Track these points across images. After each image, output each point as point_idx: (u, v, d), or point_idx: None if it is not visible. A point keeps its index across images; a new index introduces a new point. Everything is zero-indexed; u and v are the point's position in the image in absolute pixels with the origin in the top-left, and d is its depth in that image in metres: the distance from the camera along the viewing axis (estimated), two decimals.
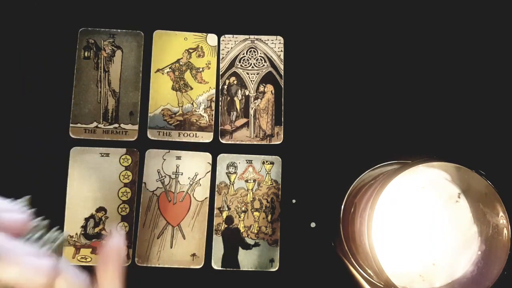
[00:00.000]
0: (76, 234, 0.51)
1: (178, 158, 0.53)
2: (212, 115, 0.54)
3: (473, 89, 0.55)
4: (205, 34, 0.55)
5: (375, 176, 0.47)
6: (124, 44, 0.55)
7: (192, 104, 0.54)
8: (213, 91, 0.54)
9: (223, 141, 0.54)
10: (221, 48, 0.55)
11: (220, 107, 0.54)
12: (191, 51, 0.55)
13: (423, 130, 0.54)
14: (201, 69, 0.55)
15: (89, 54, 0.54)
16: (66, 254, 0.51)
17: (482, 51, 0.56)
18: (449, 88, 0.55)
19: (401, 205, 0.45)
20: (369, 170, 0.49)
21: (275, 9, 0.56)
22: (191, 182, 0.53)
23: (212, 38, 0.55)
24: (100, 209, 0.52)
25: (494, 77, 0.56)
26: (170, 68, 0.55)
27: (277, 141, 0.54)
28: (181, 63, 0.55)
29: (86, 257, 0.51)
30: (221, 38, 0.55)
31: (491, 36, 0.56)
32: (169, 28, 0.55)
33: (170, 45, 0.55)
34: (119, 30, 0.55)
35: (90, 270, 0.51)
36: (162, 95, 0.54)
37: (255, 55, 0.55)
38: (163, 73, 0.54)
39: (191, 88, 0.54)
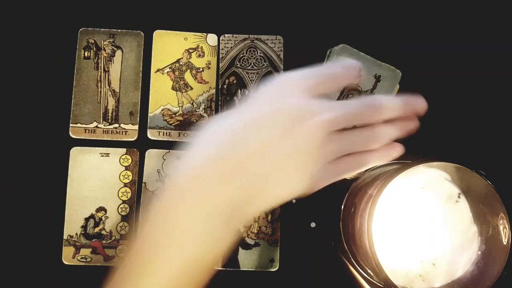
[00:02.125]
0: (76, 234, 0.51)
1: (178, 158, 0.53)
2: (212, 115, 0.54)
3: (473, 89, 0.55)
4: (205, 34, 0.55)
5: (375, 176, 0.47)
6: (124, 44, 0.55)
7: (192, 104, 0.54)
8: (213, 91, 0.54)
9: None
10: (220, 48, 0.55)
11: (219, 107, 0.54)
12: (191, 51, 0.55)
13: (423, 130, 0.54)
14: (201, 69, 0.55)
15: (89, 54, 0.54)
16: (65, 254, 0.51)
17: (481, 51, 0.56)
18: (449, 88, 0.55)
19: (401, 205, 0.45)
20: (369, 170, 0.49)
21: (274, 8, 0.56)
22: None
23: (212, 38, 0.55)
24: (100, 209, 0.52)
25: (494, 77, 0.56)
26: (170, 68, 0.55)
27: None
28: (181, 63, 0.55)
29: (86, 257, 0.51)
30: (221, 38, 0.55)
31: (490, 36, 0.56)
32: (169, 28, 0.55)
33: (170, 45, 0.55)
34: (119, 30, 0.55)
35: (90, 271, 0.51)
36: (162, 95, 0.54)
37: (255, 54, 0.55)
38: (163, 73, 0.54)
39: (191, 88, 0.54)
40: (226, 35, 0.55)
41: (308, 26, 0.56)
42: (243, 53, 0.55)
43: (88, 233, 0.51)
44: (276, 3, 0.56)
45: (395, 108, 0.40)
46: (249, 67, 0.55)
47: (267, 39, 0.55)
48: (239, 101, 0.54)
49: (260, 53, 0.55)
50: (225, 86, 0.55)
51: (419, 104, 0.41)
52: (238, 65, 0.55)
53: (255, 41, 0.55)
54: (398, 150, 0.41)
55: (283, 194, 0.39)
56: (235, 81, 0.55)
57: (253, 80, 0.55)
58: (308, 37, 0.55)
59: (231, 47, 0.55)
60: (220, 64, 0.55)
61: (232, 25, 0.55)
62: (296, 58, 0.55)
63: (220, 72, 0.55)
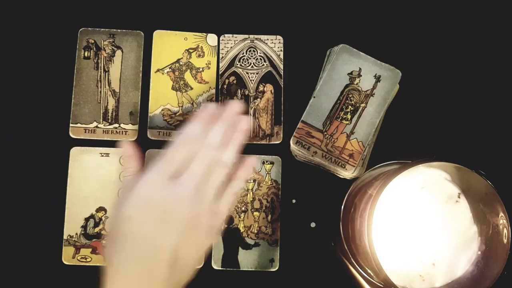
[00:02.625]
0: (76, 234, 0.51)
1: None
2: None
3: (473, 89, 0.55)
4: (205, 34, 0.55)
5: (375, 176, 0.47)
6: (124, 44, 0.55)
7: (192, 104, 0.54)
8: (213, 91, 0.54)
9: None
10: (220, 48, 0.55)
11: None
12: (191, 51, 0.55)
13: (423, 130, 0.54)
14: (201, 69, 0.55)
15: (89, 54, 0.54)
16: (65, 254, 0.51)
17: (481, 51, 0.56)
18: (449, 88, 0.55)
19: (401, 205, 0.45)
20: (369, 170, 0.49)
21: (274, 8, 0.56)
22: None
23: (212, 38, 0.55)
24: (100, 209, 0.52)
25: (494, 77, 0.56)
26: (170, 68, 0.55)
27: (277, 140, 0.54)
28: (181, 63, 0.55)
29: (86, 257, 0.51)
30: (221, 38, 0.55)
31: (490, 36, 0.56)
32: (169, 28, 0.55)
33: (170, 45, 0.55)
34: (119, 30, 0.55)
35: (90, 271, 0.51)
36: (162, 95, 0.54)
37: (255, 54, 0.55)
38: (163, 73, 0.54)
39: (191, 88, 0.54)
40: (226, 35, 0.55)
41: (308, 26, 0.56)
42: (243, 53, 0.55)
43: (88, 233, 0.51)
44: (276, 3, 0.56)
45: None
46: (249, 67, 0.55)
47: (267, 39, 0.55)
48: (239, 101, 0.54)
49: (260, 53, 0.55)
50: (225, 86, 0.55)
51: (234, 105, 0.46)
52: (238, 65, 0.55)
53: (255, 41, 0.55)
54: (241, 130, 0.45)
55: (209, 243, 0.44)
56: (235, 81, 0.55)
57: (253, 80, 0.55)
58: (308, 37, 0.55)
59: (231, 47, 0.55)
60: (220, 63, 0.55)
61: (232, 25, 0.55)
62: (296, 58, 0.55)
63: (220, 72, 0.55)
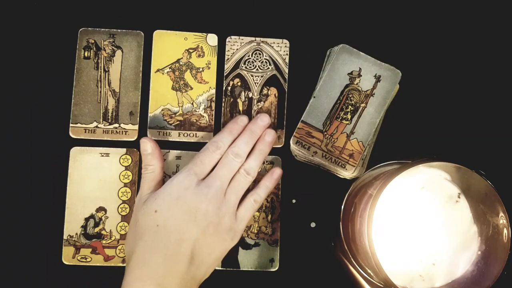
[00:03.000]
0: (76, 234, 0.51)
1: (178, 158, 0.53)
2: (212, 115, 0.54)
3: (473, 89, 0.55)
4: (205, 34, 0.55)
5: (375, 176, 0.47)
6: (124, 44, 0.55)
7: (192, 104, 0.54)
8: (213, 91, 0.54)
9: None
10: (226, 49, 0.55)
11: (223, 108, 0.54)
12: (191, 51, 0.55)
13: (423, 130, 0.54)
14: (201, 69, 0.55)
15: (89, 54, 0.54)
16: (65, 254, 0.51)
17: (481, 51, 0.56)
18: (449, 88, 0.55)
19: (401, 205, 0.45)
20: (369, 170, 0.49)
21: (281, 12, 0.56)
22: None
23: (212, 38, 0.55)
24: (100, 209, 0.52)
25: (494, 77, 0.56)
26: (170, 68, 0.55)
27: (279, 144, 0.54)
28: (181, 63, 0.55)
29: (86, 257, 0.51)
30: (227, 39, 0.55)
31: (490, 36, 0.56)
32: (169, 28, 0.55)
33: (170, 45, 0.55)
34: (119, 30, 0.55)
35: (90, 271, 0.51)
36: (162, 95, 0.54)
37: (260, 57, 0.55)
38: (163, 73, 0.54)
39: (191, 88, 0.54)
40: (232, 36, 0.55)
41: (314, 30, 0.56)
42: (248, 55, 0.55)
43: (88, 233, 0.51)
44: (283, 7, 0.56)
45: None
46: (254, 70, 0.55)
47: (273, 43, 0.55)
48: (242, 103, 0.54)
49: (265, 56, 0.55)
50: (229, 88, 0.55)
51: (261, 119, 0.51)
52: (243, 67, 0.55)
53: (261, 44, 0.55)
54: (268, 141, 0.50)
55: (228, 245, 0.47)
56: (239, 83, 0.55)
57: (258, 83, 0.55)
58: (314, 41, 0.55)
59: (237, 49, 0.55)
60: (225, 65, 0.55)
61: (232, 25, 0.55)
62: (301, 63, 0.55)
63: (224, 74, 0.55)
